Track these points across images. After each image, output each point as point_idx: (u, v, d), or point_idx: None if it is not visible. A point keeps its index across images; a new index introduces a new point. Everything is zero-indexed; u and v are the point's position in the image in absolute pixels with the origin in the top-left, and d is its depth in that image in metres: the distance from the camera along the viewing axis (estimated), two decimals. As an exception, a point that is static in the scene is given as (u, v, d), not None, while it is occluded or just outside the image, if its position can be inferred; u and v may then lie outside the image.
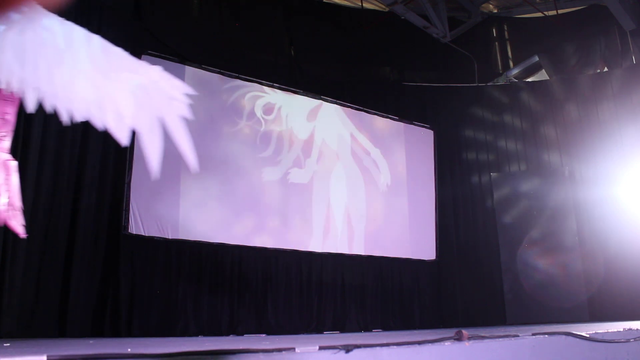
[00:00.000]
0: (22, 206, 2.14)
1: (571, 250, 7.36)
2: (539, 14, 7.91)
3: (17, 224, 2.09)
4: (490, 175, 8.10)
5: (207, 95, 6.33)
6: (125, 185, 5.47)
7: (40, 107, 1.45)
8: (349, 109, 7.62)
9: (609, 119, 7.66)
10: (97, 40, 1.52)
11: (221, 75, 6.42)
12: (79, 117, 1.43)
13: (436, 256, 8.03)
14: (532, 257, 7.46)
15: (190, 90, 1.48)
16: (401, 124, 8.11)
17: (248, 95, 6.72)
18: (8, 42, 1.49)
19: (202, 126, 6.18)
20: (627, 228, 7.11)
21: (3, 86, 1.49)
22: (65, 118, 1.45)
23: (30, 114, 4.27)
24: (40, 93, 1.46)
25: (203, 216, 6.04)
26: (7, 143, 1.99)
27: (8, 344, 2.09)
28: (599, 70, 8.09)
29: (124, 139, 1.41)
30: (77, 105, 1.44)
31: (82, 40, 1.50)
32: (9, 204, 2.06)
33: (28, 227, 3.96)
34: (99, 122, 1.44)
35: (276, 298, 6.36)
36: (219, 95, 6.46)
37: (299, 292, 6.55)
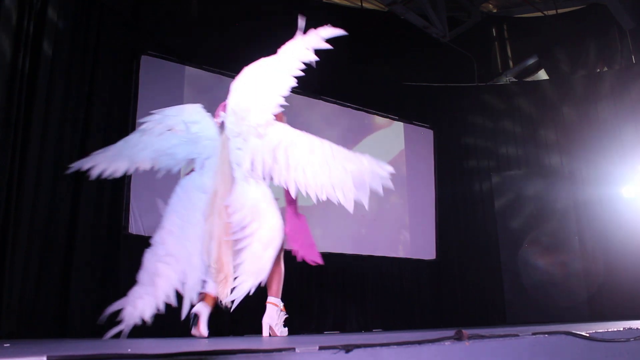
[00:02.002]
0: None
1: (571, 249, 7.31)
2: (539, 14, 7.83)
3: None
4: (490, 175, 8.03)
5: (206, 96, 6.15)
6: (125, 184, 5.35)
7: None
8: (348, 108, 7.57)
9: (608, 118, 7.56)
10: (327, 144, 2.32)
11: (221, 76, 6.28)
12: (322, 197, 2.23)
13: (436, 256, 7.98)
14: (533, 256, 7.39)
15: (390, 169, 2.30)
16: (401, 124, 8.08)
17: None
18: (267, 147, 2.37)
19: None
20: (628, 227, 7.05)
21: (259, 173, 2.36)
22: (314, 199, 2.26)
23: (29, 114, 4.39)
24: (297, 184, 2.28)
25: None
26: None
27: (8, 344, 2.11)
28: (598, 70, 8.00)
29: (350, 208, 2.27)
30: (320, 189, 2.24)
31: (319, 145, 2.30)
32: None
33: (28, 227, 4.01)
34: (333, 198, 2.26)
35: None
36: (218, 95, 6.35)
37: (298, 292, 6.47)
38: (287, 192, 2.52)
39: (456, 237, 7.99)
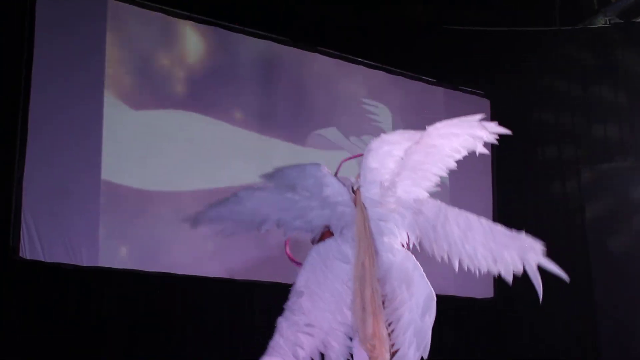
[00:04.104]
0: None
1: None
2: None
3: None
4: (579, 172, 6.85)
5: (146, 45, 5.43)
6: (15, 185, 4.81)
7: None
8: (361, 66, 6.28)
9: None
10: (484, 221, 2.59)
11: (166, 15, 5.53)
12: (483, 269, 2.52)
13: (494, 293, 6.67)
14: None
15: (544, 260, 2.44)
16: (440, 90, 6.81)
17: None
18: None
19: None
20: None
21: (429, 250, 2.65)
22: (475, 271, 2.54)
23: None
24: (462, 256, 2.54)
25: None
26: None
27: None
28: None
29: (509, 278, 2.49)
30: (479, 262, 2.51)
31: (476, 221, 2.59)
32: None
33: None
34: (485, 269, 2.51)
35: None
36: (162, 42, 5.69)
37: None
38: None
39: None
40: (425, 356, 2.61)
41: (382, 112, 6.29)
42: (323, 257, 2.76)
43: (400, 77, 6.45)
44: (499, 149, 6.50)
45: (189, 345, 5.21)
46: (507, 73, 7.05)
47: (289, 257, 3.03)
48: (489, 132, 2.51)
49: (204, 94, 5.38)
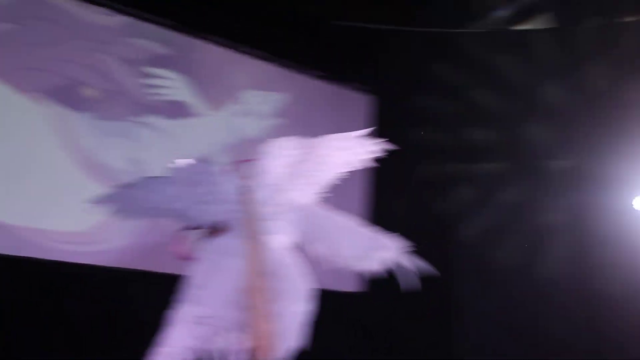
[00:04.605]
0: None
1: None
2: None
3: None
4: (455, 177, 6.76)
5: None
6: None
7: None
8: (247, 56, 6.07)
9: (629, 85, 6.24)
10: (358, 224, 2.91)
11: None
12: (355, 268, 2.84)
13: (367, 287, 6.31)
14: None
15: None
16: (326, 85, 6.66)
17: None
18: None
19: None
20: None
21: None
22: (348, 269, 2.89)
23: None
24: (338, 256, 2.81)
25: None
26: None
27: None
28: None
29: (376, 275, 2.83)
30: (352, 261, 2.82)
31: (352, 227, 2.92)
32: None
33: None
34: (357, 268, 2.84)
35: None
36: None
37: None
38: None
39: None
40: (305, 346, 2.79)
41: (268, 101, 6.20)
42: (216, 251, 2.87)
43: (287, 70, 6.32)
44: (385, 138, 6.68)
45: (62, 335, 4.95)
46: (396, 67, 6.92)
47: (174, 250, 3.07)
48: (377, 147, 2.81)
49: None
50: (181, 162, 2.91)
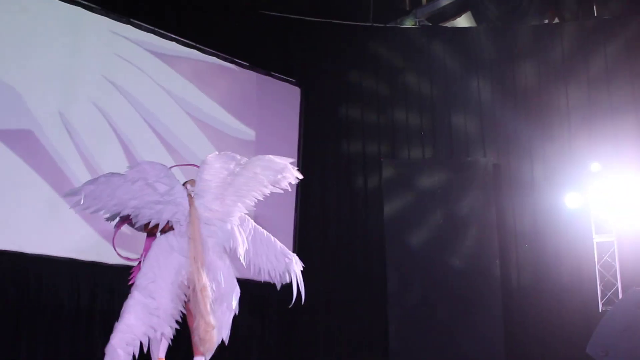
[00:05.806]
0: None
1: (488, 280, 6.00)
2: None
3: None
4: (380, 163, 6.60)
5: None
6: None
7: None
8: (174, 43, 5.86)
9: (554, 87, 6.45)
10: (272, 239, 3.45)
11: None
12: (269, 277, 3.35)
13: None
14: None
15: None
16: (253, 74, 6.51)
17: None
18: None
19: None
20: (570, 251, 6.04)
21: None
22: (265, 276, 3.38)
23: None
24: (259, 265, 3.36)
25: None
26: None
27: None
28: (546, 21, 6.98)
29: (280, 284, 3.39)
30: (267, 271, 3.38)
31: (269, 241, 3.47)
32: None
33: None
34: (270, 276, 3.34)
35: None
36: None
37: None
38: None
39: (321, 254, 6.53)
40: (226, 341, 3.20)
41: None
42: (165, 248, 3.17)
43: (214, 58, 6.13)
44: (307, 138, 6.54)
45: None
46: (321, 64, 6.89)
47: (114, 245, 3.38)
48: (295, 177, 3.30)
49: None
50: (143, 162, 3.26)
